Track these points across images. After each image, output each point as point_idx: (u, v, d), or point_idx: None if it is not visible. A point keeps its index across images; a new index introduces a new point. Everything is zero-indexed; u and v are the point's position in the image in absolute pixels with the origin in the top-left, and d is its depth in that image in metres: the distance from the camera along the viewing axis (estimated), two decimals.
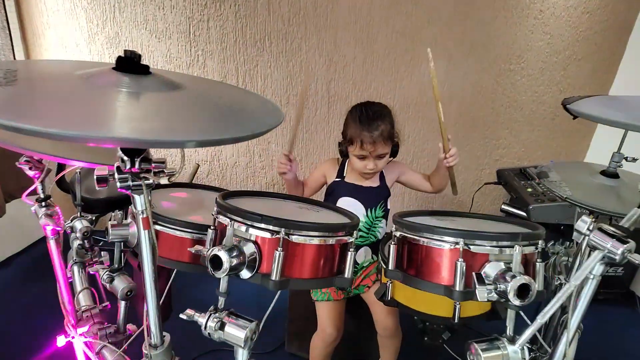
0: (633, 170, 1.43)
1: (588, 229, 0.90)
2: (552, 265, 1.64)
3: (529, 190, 1.89)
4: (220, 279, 0.98)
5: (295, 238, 0.99)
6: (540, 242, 1.03)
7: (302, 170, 2.98)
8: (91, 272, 1.53)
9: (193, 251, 0.99)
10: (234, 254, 0.96)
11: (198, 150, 2.92)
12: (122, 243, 1.52)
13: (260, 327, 1.03)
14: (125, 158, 0.72)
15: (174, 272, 1.50)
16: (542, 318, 0.88)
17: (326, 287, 1.05)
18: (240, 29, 2.68)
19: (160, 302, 1.57)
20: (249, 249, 0.98)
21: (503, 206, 2.02)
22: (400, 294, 1.28)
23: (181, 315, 1.02)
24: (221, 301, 1.02)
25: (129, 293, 1.42)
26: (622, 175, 1.38)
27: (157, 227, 1.34)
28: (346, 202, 1.71)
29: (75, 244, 1.68)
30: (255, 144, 2.93)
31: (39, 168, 1.37)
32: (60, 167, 2.43)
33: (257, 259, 0.99)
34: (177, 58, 2.75)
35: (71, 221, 1.70)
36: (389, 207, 1.76)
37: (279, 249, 0.97)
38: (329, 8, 2.64)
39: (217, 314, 0.99)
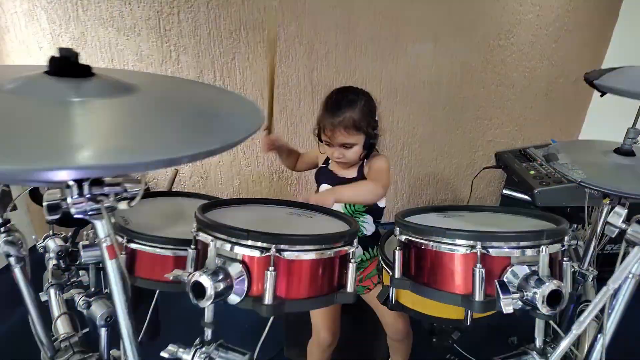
0: None
1: (624, 222, 0.78)
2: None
3: (532, 172, 1.78)
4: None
5: (288, 254, 0.86)
6: (566, 238, 0.91)
7: None
8: (66, 298, 1.39)
9: (171, 277, 0.85)
10: (219, 277, 0.83)
11: None
12: (97, 264, 1.40)
13: (255, 356, 0.90)
14: (71, 183, 0.58)
15: None
16: (578, 328, 0.77)
17: (327, 305, 0.93)
18: (213, 20, 2.52)
19: (145, 323, 1.43)
20: (236, 270, 0.85)
21: (505, 191, 1.91)
22: (406, 297, 1.17)
23: (162, 354, 0.89)
24: (208, 333, 0.89)
25: (108, 319, 1.29)
26: (639, 153, 1.27)
27: (133, 246, 1.21)
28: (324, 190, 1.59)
29: (50, 264, 1.54)
30: None
31: None
32: None
33: (246, 281, 0.86)
34: (148, 55, 2.58)
35: (43, 240, 1.56)
36: (381, 205, 1.64)
37: (270, 268, 0.84)
38: None
39: (203, 349, 0.86)
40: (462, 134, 2.98)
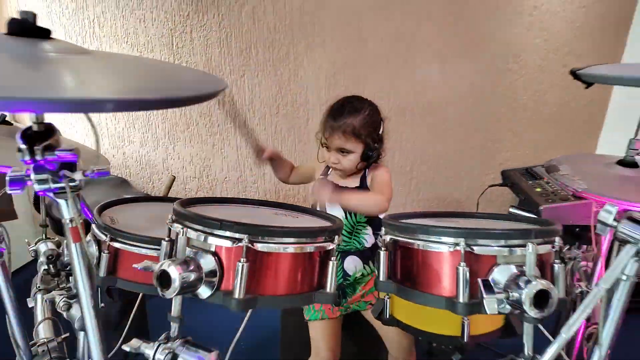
0: None
1: (614, 219, 0.73)
2: (571, 272, 1.46)
3: (538, 190, 1.71)
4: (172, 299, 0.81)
5: (261, 246, 0.82)
6: (557, 239, 0.85)
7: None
8: (46, 299, 1.36)
9: (139, 267, 0.82)
10: (189, 268, 0.80)
11: (185, 166, 2.77)
12: None
13: (227, 358, 0.85)
14: (23, 146, 0.56)
15: None
16: (567, 332, 0.71)
17: (304, 304, 0.88)
18: (224, 39, 2.57)
19: (127, 324, 1.37)
20: (208, 261, 0.82)
21: (511, 209, 1.84)
22: (400, 311, 1.11)
23: (124, 347, 0.85)
24: (174, 328, 0.85)
25: None
26: None
27: (117, 245, 1.18)
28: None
29: (41, 269, 1.53)
30: (245, 157, 2.79)
31: None
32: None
33: (218, 273, 0.82)
34: None
35: (35, 244, 1.55)
36: (381, 216, 1.60)
37: (242, 259, 0.80)
38: (315, 15, 2.53)
39: (168, 344, 0.82)
40: (472, 156, 2.93)
